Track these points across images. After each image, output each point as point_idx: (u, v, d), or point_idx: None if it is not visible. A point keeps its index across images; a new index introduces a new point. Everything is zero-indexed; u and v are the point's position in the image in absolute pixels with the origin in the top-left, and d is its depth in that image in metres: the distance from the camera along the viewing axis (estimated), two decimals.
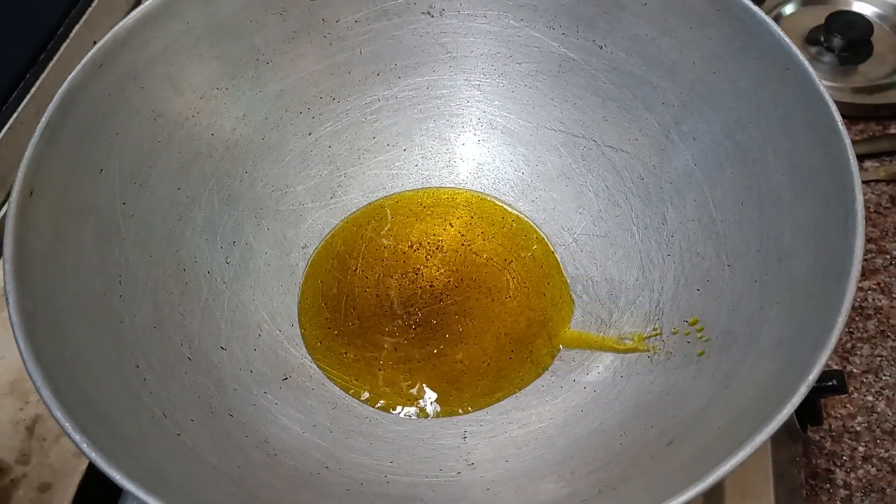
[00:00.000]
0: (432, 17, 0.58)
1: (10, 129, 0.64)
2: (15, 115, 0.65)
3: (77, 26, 0.72)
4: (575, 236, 0.57)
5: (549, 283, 0.55)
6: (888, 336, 0.75)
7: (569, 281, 0.55)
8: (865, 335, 0.75)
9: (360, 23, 0.57)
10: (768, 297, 0.43)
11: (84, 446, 0.33)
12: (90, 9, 0.73)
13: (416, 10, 0.57)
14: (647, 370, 0.48)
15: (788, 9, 0.98)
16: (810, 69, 0.45)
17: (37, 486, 0.54)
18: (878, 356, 0.73)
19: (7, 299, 0.38)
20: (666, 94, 0.53)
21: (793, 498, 0.62)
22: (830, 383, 0.56)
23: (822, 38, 0.93)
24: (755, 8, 0.48)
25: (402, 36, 0.59)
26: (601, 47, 0.55)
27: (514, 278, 0.55)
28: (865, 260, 0.78)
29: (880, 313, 0.76)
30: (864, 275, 0.77)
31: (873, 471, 0.68)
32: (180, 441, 0.40)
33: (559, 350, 0.52)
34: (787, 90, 0.46)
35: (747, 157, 0.48)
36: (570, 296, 0.54)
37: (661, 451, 0.40)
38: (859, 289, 0.76)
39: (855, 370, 0.73)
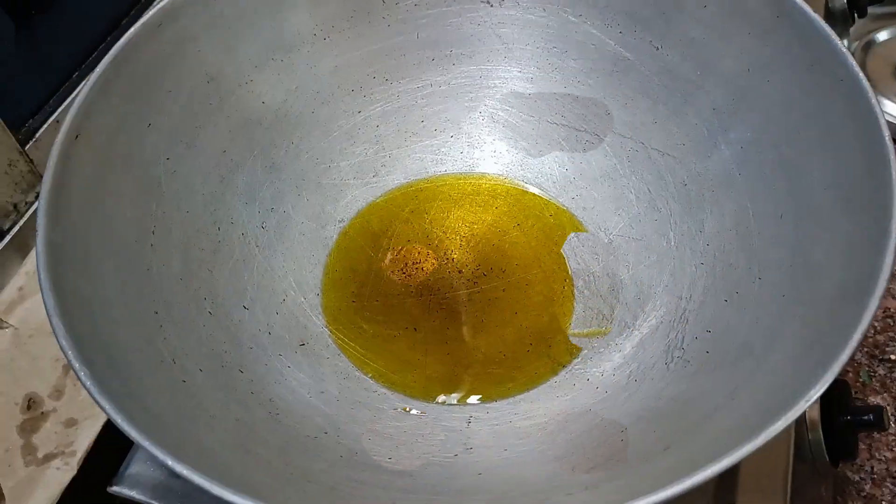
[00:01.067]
0: (492, 6, 0.58)
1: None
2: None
3: None
4: (611, 237, 0.56)
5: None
6: None
7: None
8: None
9: (420, 7, 0.58)
10: (791, 313, 0.42)
11: (81, 374, 0.35)
12: None
13: None
14: (661, 376, 0.46)
15: (883, 35, 0.94)
16: (864, 80, 0.43)
17: (63, 420, 0.57)
18: None
19: (37, 230, 0.40)
20: (717, 101, 0.52)
21: None
22: (867, 418, 0.53)
23: None
24: (815, 16, 0.46)
25: (460, 23, 0.59)
26: (657, 48, 0.54)
27: (544, 272, 0.55)
28: None
29: None
30: None
31: None
32: (184, 386, 0.42)
33: (580, 350, 0.51)
34: (839, 101, 0.44)
35: (792, 169, 0.47)
36: None
37: (656, 456, 0.39)
38: None
39: None
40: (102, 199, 0.45)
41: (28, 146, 0.64)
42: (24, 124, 0.65)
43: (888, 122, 0.78)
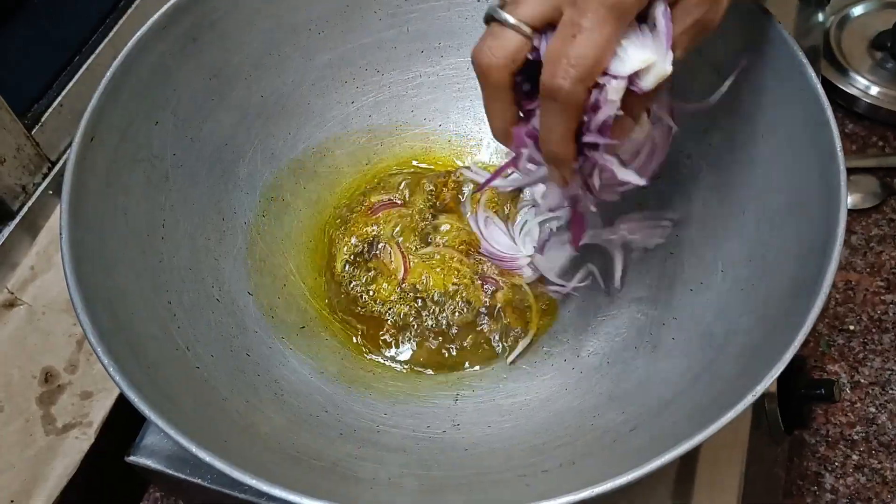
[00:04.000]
0: (479, 1, 0.61)
1: (87, 69, 0.70)
2: (93, 57, 0.71)
3: None
4: None
5: None
6: None
7: None
8: (879, 348, 0.76)
9: (410, 1, 0.61)
10: (749, 307, 0.46)
11: (110, 369, 0.39)
12: None
13: None
14: (632, 358, 0.51)
15: (858, 9, 0.96)
16: (820, 89, 0.46)
17: (79, 393, 0.61)
18: (888, 370, 0.75)
19: (60, 233, 0.43)
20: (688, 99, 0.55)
21: (770, 495, 0.64)
22: (818, 391, 0.58)
23: (889, 44, 0.91)
24: (780, 25, 0.49)
25: (449, 17, 0.62)
26: None
27: None
28: (894, 275, 0.79)
29: None
30: (889, 289, 0.78)
31: (863, 480, 0.70)
32: (198, 373, 0.46)
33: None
34: (799, 109, 0.47)
35: (756, 168, 0.50)
36: None
37: (624, 436, 0.44)
38: (881, 301, 0.77)
39: (863, 380, 0.74)
40: (116, 196, 0.49)
41: (34, 130, 0.67)
42: (30, 109, 0.68)
43: (862, 98, 0.82)
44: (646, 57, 0.36)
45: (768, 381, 0.38)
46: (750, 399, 0.37)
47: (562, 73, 0.35)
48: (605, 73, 0.36)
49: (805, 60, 0.48)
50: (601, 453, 0.43)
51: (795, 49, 0.48)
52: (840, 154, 0.44)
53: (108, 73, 0.49)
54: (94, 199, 0.47)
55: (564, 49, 0.35)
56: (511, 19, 0.37)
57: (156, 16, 0.51)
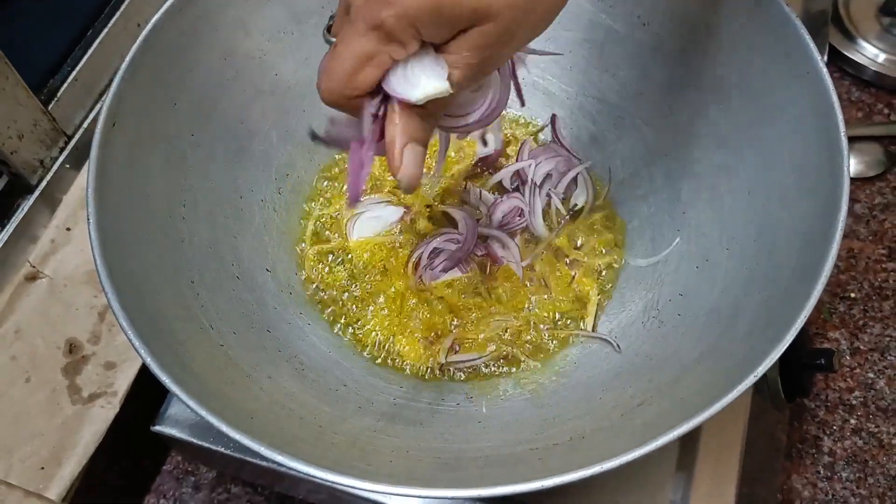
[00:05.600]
0: None
1: (101, 42, 0.71)
2: (106, 30, 0.71)
3: None
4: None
5: None
6: None
7: None
8: (880, 314, 0.78)
9: None
10: (753, 285, 0.47)
11: (141, 351, 0.41)
12: None
13: None
14: (637, 333, 0.53)
15: None
16: (827, 75, 0.47)
17: (103, 363, 0.63)
18: (887, 336, 0.76)
19: (88, 219, 0.44)
20: (699, 78, 0.56)
21: (772, 459, 0.67)
22: (819, 361, 0.60)
23: None
24: (787, 8, 0.50)
25: None
26: (645, 24, 0.58)
27: None
28: None
29: None
30: (891, 257, 0.80)
31: (860, 443, 0.72)
32: (222, 350, 0.48)
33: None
34: (806, 94, 0.48)
35: (764, 150, 0.51)
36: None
37: (631, 411, 0.45)
38: (882, 269, 0.79)
39: (862, 347, 0.76)
40: (137, 179, 0.50)
41: (51, 105, 0.68)
42: (46, 84, 0.68)
43: (869, 66, 0.82)
44: (423, 83, 0.37)
45: (770, 362, 0.40)
46: (752, 379, 0.39)
47: (321, 81, 0.38)
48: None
49: (811, 43, 0.48)
50: (610, 428, 0.45)
51: (802, 31, 0.48)
52: (843, 137, 0.45)
53: (126, 58, 0.50)
54: (118, 183, 0.48)
55: (325, 60, 0.38)
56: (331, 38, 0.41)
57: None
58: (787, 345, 0.40)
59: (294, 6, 0.59)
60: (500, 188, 0.62)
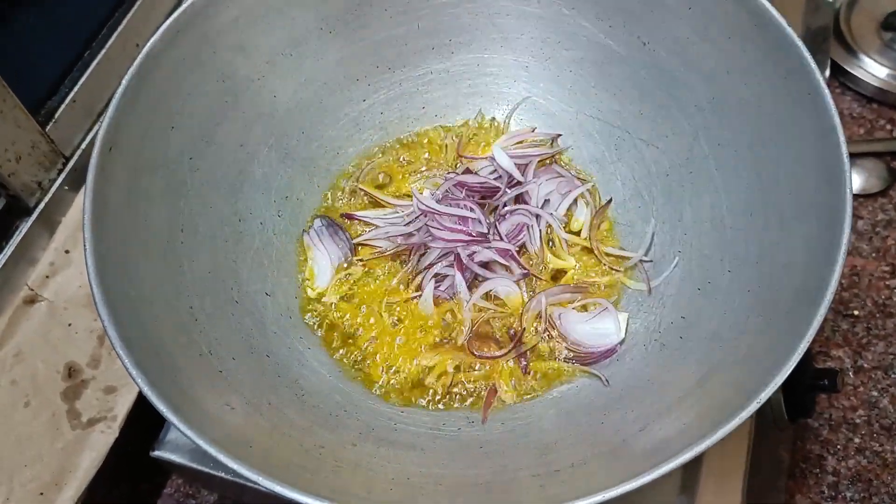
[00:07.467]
0: None
1: (98, 63, 0.71)
2: (104, 51, 0.71)
3: None
4: None
5: None
6: None
7: None
8: (883, 332, 0.77)
9: None
10: (755, 309, 0.47)
11: (138, 380, 0.40)
12: None
13: None
14: (640, 356, 0.52)
15: None
16: (829, 96, 0.47)
17: (103, 388, 0.63)
18: (891, 354, 0.76)
19: (84, 246, 0.44)
20: (699, 98, 0.55)
21: (775, 479, 0.66)
22: (823, 382, 0.60)
23: None
24: (789, 29, 0.50)
25: (458, 14, 0.62)
26: (645, 44, 0.58)
27: None
28: None
29: None
30: (894, 274, 0.79)
31: (864, 462, 0.72)
32: (221, 377, 0.47)
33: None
34: (806, 114, 0.48)
35: (763, 171, 0.51)
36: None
37: (633, 436, 0.45)
38: (886, 286, 0.78)
39: (866, 365, 0.76)
40: (136, 204, 0.50)
41: (48, 127, 0.67)
42: (43, 106, 0.68)
43: (870, 81, 0.83)
44: None
45: (773, 387, 0.39)
46: (755, 406, 0.39)
47: None
48: None
49: (812, 63, 0.48)
50: (611, 453, 0.45)
51: (803, 52, 0.48)
52: (846, 159, 0.45)
53: (123, 82, 0.49)
54: (116, 208, 0.48)
55: None
56: None
57: (168, 22, 0.52)
58: (791, 369, 0.40)
59: (293, 29, 0.58)
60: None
